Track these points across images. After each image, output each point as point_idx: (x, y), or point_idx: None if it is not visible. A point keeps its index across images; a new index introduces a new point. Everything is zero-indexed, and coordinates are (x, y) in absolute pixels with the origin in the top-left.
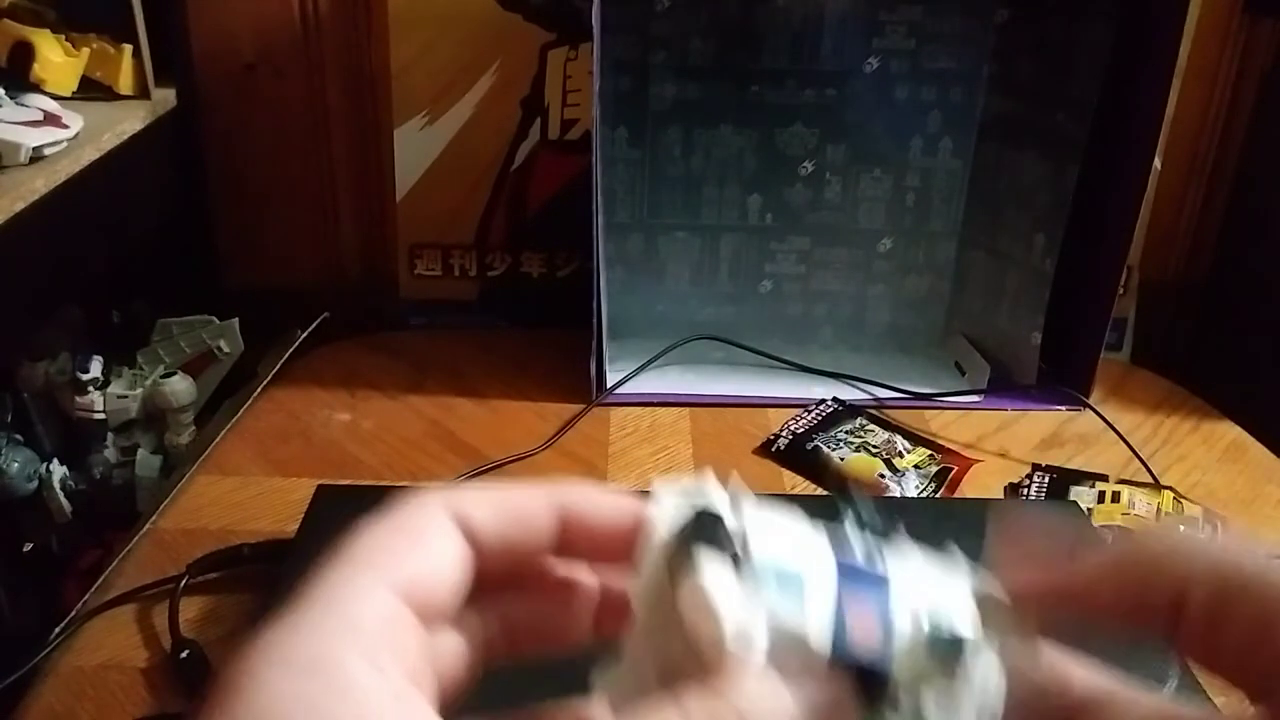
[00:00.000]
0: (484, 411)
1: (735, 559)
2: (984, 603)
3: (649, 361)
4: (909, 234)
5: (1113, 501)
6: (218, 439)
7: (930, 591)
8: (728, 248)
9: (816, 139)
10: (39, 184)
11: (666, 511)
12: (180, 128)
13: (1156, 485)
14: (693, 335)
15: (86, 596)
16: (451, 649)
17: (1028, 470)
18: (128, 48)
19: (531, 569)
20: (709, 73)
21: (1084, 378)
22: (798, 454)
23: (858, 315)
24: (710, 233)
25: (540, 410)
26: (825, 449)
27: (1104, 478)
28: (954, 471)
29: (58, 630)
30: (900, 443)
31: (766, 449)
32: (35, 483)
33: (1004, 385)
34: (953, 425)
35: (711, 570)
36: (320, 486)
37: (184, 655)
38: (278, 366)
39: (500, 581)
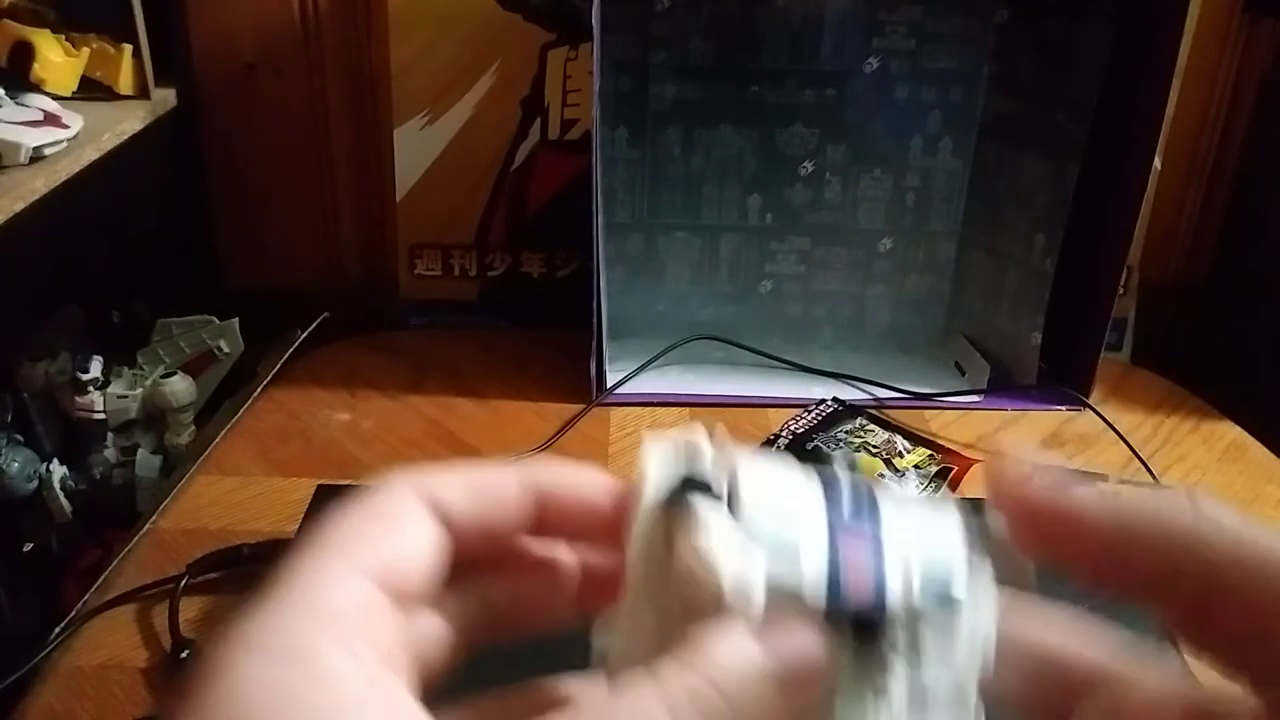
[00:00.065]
0: (484, 411)
1: (729, 511)
2: (977, 542)
3: (649, 361)
4: (909, 234)
5: None
6: (218, 439)
7: (923, 532)
8: (728, 248)
9: (816, 139)
10: (39, 184)
11: (657, 467)
12: (180, 128)
13: (1156, 485)
14: (693, 335)
15: (86, 596)
16: (430, 632)
17: None
18: (128, 48)
19: (509, 548)
20: (709, 73)
21: (1084, 378)
22: (798, 454)
23: (858, 315)
24: (710, 233)
25: (540, 410)
26: (825, 449)
27: (1104, 478)
28: (954, 471)
29: (58, 630)
30: (900, 443)
31: (766, 449)
32: (35, 483)
33: (1004, 385)
34: (953, 425)
35: (705, 523)
36: (320, 486)
37: (184, 655)
38: (278, 366)
39: (478, 562)
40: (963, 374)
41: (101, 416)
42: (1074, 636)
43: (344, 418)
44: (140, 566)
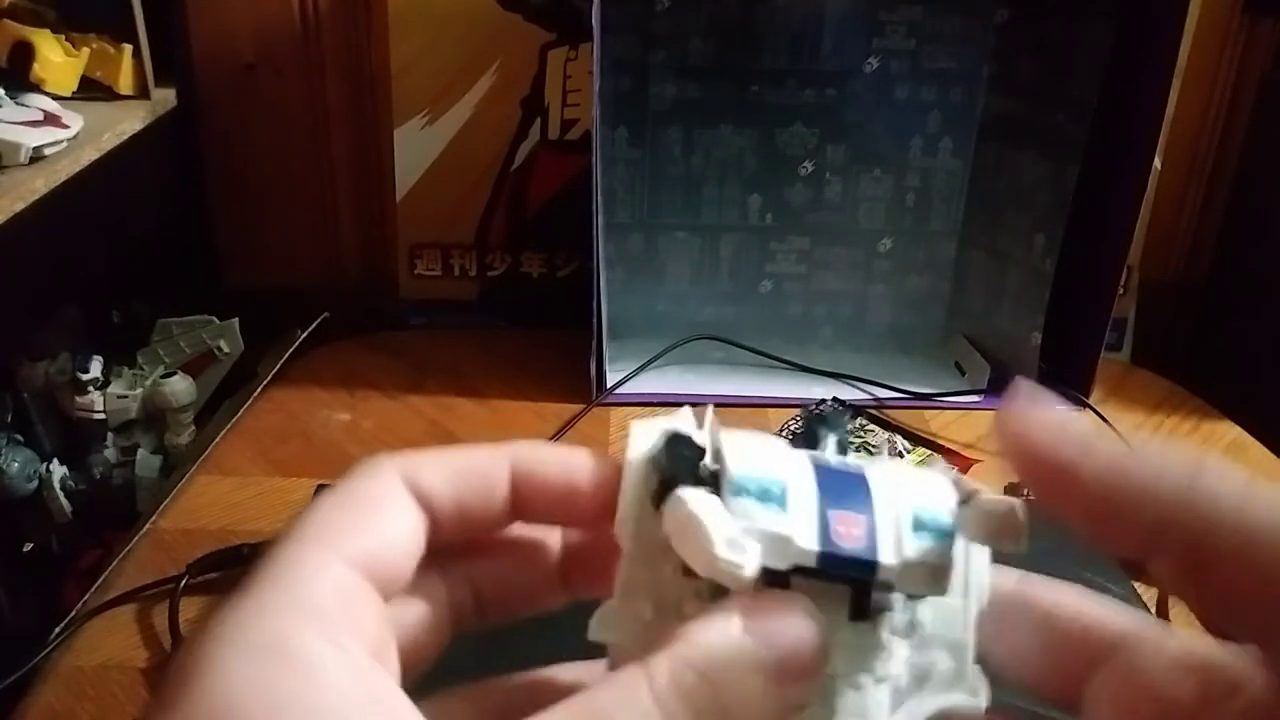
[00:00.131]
0: (484, 411)
1: (715, 476)
2: (968, 496)
3: (649, 361)
4: (909, 234)
5: None
6: (218, 439)
7: (912, 486)
8: (728, 248)
9: (816, 139)
10: (39, 184)
11: (643, 444)
12: (180, 128)
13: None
14: (693, 335)
15: (86, 596)
16: (416, 618)
17: None
18: (128, 48)
19: (493, 531)
20: (709, 73)
21: (1084, 378)
22: None
23: (858, 315)
24: (710, 233)
25: (540, 410)
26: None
27: None
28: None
29: (58, 630)
30: (900, 443)
31: None
32: (35, 483)
33: (1004, 385)
34: (953, 425)
35: (691, 488)
36: (320, 487)
37: None
38: (278, 366)
39: (464, 546)
40: (963, 374)
41: (101, 416)
42: (1091, 605)
43: (344, 418)
44: (140, 566)
